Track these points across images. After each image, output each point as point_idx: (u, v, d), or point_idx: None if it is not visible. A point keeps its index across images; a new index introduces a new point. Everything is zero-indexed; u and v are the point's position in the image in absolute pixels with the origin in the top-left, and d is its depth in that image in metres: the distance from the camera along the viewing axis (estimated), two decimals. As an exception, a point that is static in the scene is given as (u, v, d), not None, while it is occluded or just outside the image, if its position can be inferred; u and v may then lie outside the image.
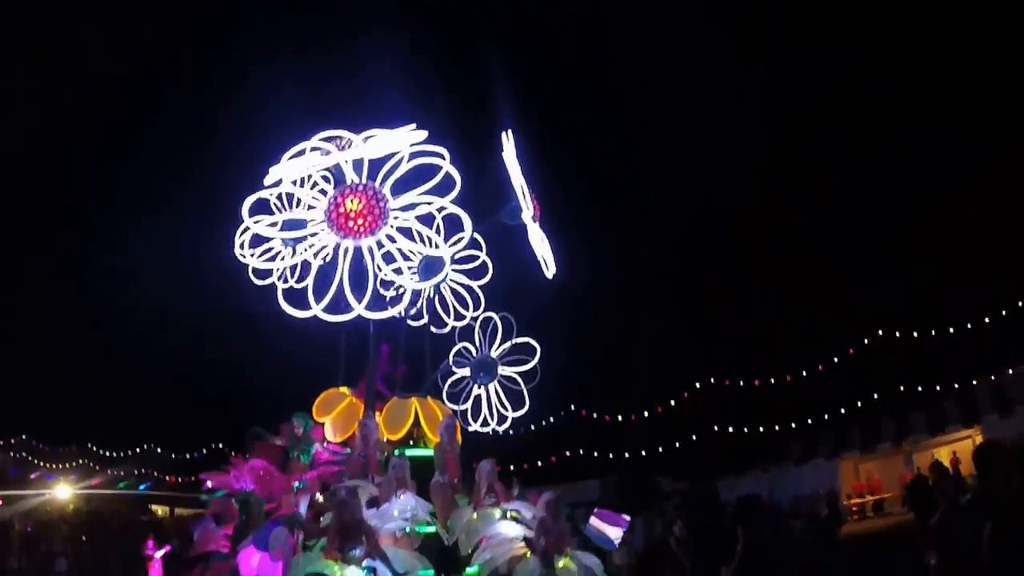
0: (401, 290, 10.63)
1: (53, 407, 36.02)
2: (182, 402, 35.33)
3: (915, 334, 24.96)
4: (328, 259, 8.93)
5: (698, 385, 30.37)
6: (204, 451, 34.32)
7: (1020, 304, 21.55)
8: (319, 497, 8.67)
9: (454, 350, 11.66)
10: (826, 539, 17.98)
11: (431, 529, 8.09)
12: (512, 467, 26.22)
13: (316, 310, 8.26)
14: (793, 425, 27.27)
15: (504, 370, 11.64)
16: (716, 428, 29.41)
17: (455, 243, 9.79)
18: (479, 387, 11.72)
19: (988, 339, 22.69)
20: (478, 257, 11.30)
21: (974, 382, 22.49)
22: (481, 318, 11.76)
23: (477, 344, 11.86)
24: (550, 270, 10.63)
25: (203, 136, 36.09)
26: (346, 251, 8.24)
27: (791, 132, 29.96)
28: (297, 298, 9.96)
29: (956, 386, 23.04)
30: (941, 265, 24.76)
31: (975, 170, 25.22)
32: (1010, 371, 20.96)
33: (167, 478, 36.82)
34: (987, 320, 22.88)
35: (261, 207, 10.81)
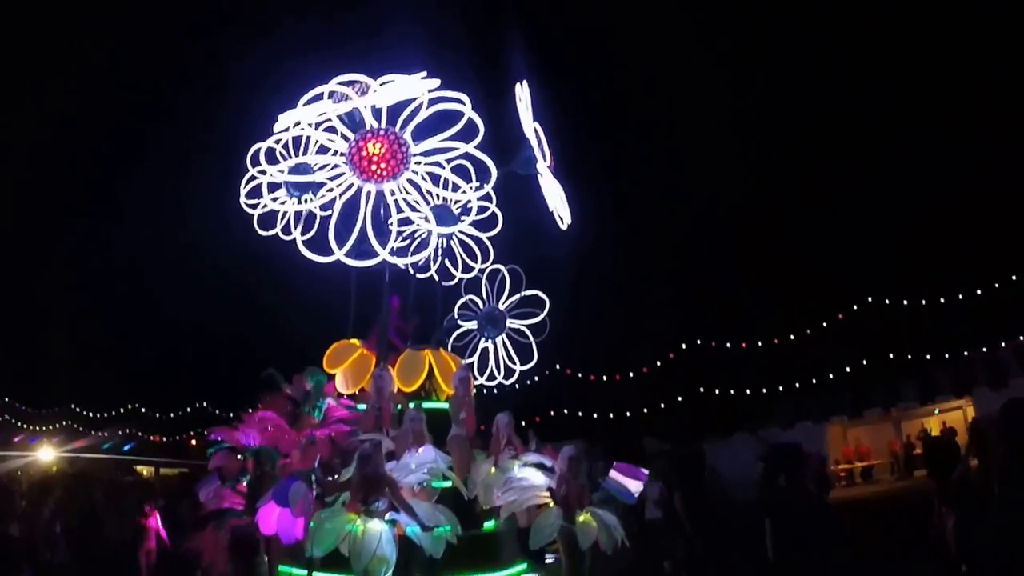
0: (416, 236, 10.44)
1: (34, 369, 35.46)
2: (165, 362, 34.97)
3: (906, 302, 25.01)
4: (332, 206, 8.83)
5: (684, 346, 30.41)
6: (188, 410, 34.02)
7: (1015, 278, 21.59)
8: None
9: (460, 303, 11.46)
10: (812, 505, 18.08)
11: (447, 484, 7.93)
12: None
13: (339, 254, 8.06)
14: (781, 388, 27.41)
15: (512, 323, 11.48)
16: (703, 390, 29.54)
17: (470, 192, 9.43)
18: (486, 340, 11.56)
19: (983, 311, 22.77)
20: (488, 208, 11.04)
21: (966, 353, 22.60)
22: (489, 270, 11.57)
23: (484, 297, 11.69)
24: (564, 222, 10.33)
25: (217, 87, 35.10)
26: (368, 195, 7.96)
27: (789, 88, 29.57)
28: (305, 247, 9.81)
29: (948, 356, 23.16)
30: (938, 235, 24.74)
31: (975, 139, 25.12)
32: (1003, 344, 21.06)
33: (151, 438, 36.59)
34: (981, 292, 22.94)
35: (270, 158, 10.61)
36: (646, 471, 8.73)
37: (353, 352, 9.53)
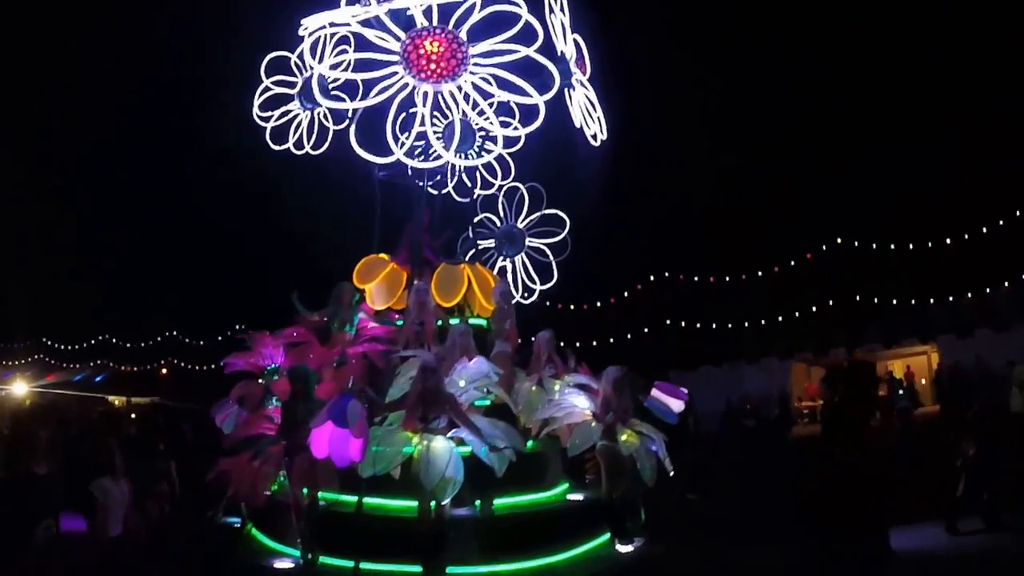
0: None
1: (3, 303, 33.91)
2: (134, 289, 33.79)
3: (874, 246, 25.52)
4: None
5: (652, 278, 30.66)
6: (159, 339, 33.10)
7: (984, 230, 22.11)
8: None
9: (475, 220, 11.17)
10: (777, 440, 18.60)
11: (486, 402, 7.78)
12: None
13: (398, 154, 7.74)
14: (747, 324, 27.96)
15: (532, 242, 11.26)
16: (669, 322, 29.97)
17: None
18: (504, 259, 11.35)
19: (949, 262, 23.31)
20: (510, 124, 10.64)
21: (931, 300, 23.22)
22: (507, 188, 11.27)
23: (502, 215, 11.42)
24: (598, 136, 9.93)
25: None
26: (425, 95, 7.53)
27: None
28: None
29: (912, 302, 23.78)
30: (908, 185, 25.09)
31: (944, 87, 25.33)
32: (969, 295, 21.62)
33: (122, 368, 35.62)
34: (949, 242, 23.44)
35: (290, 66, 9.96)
36: (686, 390, 8.76)
37: (384, 267, 9.18)
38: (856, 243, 26.08)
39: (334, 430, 6.29)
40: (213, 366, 30.82)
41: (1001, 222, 21.74)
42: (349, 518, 7.03)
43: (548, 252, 11.22)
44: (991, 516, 8.44)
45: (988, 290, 21.91)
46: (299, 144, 10.48)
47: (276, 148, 10.39)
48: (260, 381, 9.09)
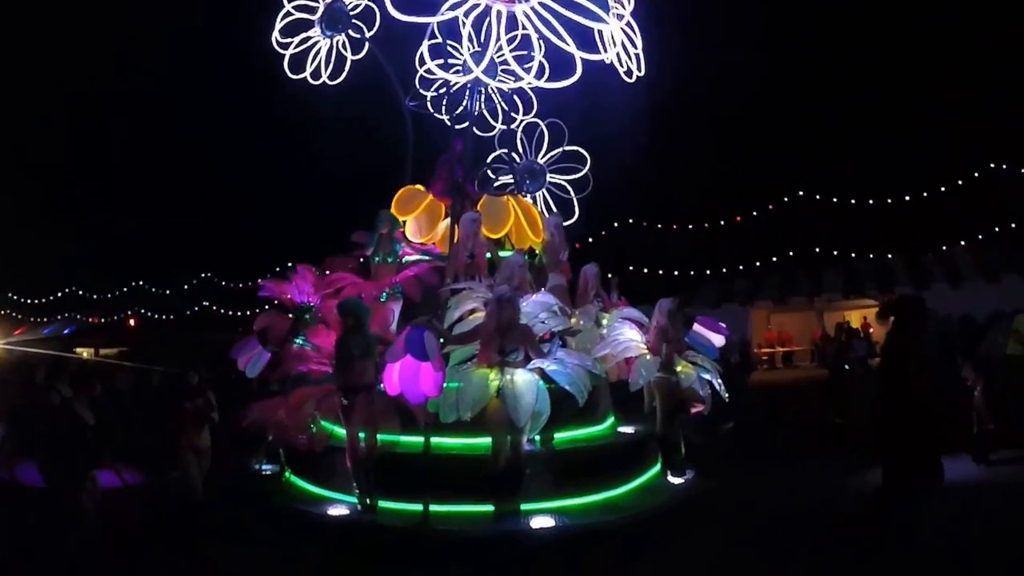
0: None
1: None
2: (100, 239, 31.86)
3: (835, 199, 26.13)
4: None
5: (616, 224, 30.79)
6: (125, 289, 31.52)
7: (943, 189, 22.81)
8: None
9: (492, 155, 10.87)
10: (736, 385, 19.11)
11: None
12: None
13: (476, 72, 7.47)
14: (708, 272, 28.45)
15: (553, 177, 11.02)
16: (632, 268, 30.26)
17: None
18: (525, 195, 11.08)
19: (910, 218, 24.00)
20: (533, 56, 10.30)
21: (889, 256, 23.96)
22: (526, 124, 10.98)
23: (521, 151, 11.13)
24: (633, 71, 9.59)
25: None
26: (499, 15, 7.18)
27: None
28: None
29: (871, 256, 24.51)
30: (873, 139, 25.66)
31: (917, 46, 25.83)
32: (929, 254, 22.32)
33: (90, 319, 34.00)
34: (909, 199, 24.13)
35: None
36: (725, 326, 8.79)
37: (423, 198, 8.82)
38: (818, 196, 26.70)
39: (412, 364, 6.04)
40: (186, 312, 29.88)
41: (960, 182, 22.46)
42: (409, 459, 6.81)
43: (569, 188, 11.01)
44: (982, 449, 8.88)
45: (945, 248, 22.71)
46: (316, 74, 9.99)
47: (294, 77, 9.90)
48: (289, 316, 8.77)
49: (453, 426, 6.69)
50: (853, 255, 25.07)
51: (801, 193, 27.17)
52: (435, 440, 6.85)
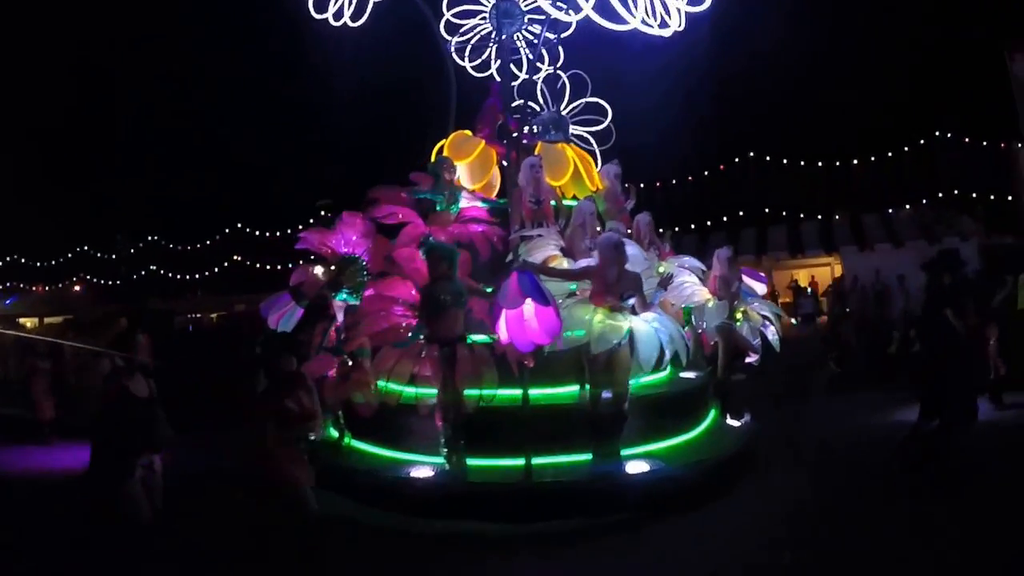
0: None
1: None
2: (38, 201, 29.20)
3: (785, 161, 26.93)
4: None
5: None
6: (69, 256, 29.19)
7: (890, 154, 23.79)
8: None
9: (514, 105, 10.69)
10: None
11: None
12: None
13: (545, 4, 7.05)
14: (659, 231, 28.80)
15: (576, 129, 10.94)
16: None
17: None
18: (548, 145, 10.97)
19: (853, 181, 24.93)
20: (562, 8, 10.13)
21: (836, 217, 24.89)
22: (548, 75, 10.83)
23: (541, 101, 10.98)
24: (670, 26, 9.55)
25: None
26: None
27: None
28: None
29: (819, 217, 25.42)
30: (822, 101, 26.40)
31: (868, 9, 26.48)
32: (939, 195, 23.04)
33: (34, 288, 31.39)
34: (856, 163, 25.04)
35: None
36: (764, 276, 9.06)
37: (475, 144, 8.56)
38: (768, 157, 27.48)
39: (530, 311, 5.90)
40: (133, 277, 28.11)
41: (906, 148, 23.48)
42: (508, 413, 6.51)
43: (592, 140, 10.96)
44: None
45: (890, 210, 23.81)
46: (338, 14, 9.57)
47: (317, 17, 9.45)
48: (331, 268, 8.34)
49: (541, 376, 6.66)
50: (801, 216, 25.96)
51: (751, 154, 27.91)
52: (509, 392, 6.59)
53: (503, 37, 9.93)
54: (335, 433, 7.77)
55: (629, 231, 8.32)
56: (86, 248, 28.10)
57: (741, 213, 27.52)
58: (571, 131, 10.86)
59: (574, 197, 8.72)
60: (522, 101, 10.90)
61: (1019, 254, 17.23)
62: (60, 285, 29.94)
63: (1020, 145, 17.82)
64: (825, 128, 26.23)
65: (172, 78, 27.98)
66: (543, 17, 9.86)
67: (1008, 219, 20.28)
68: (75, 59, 26.47)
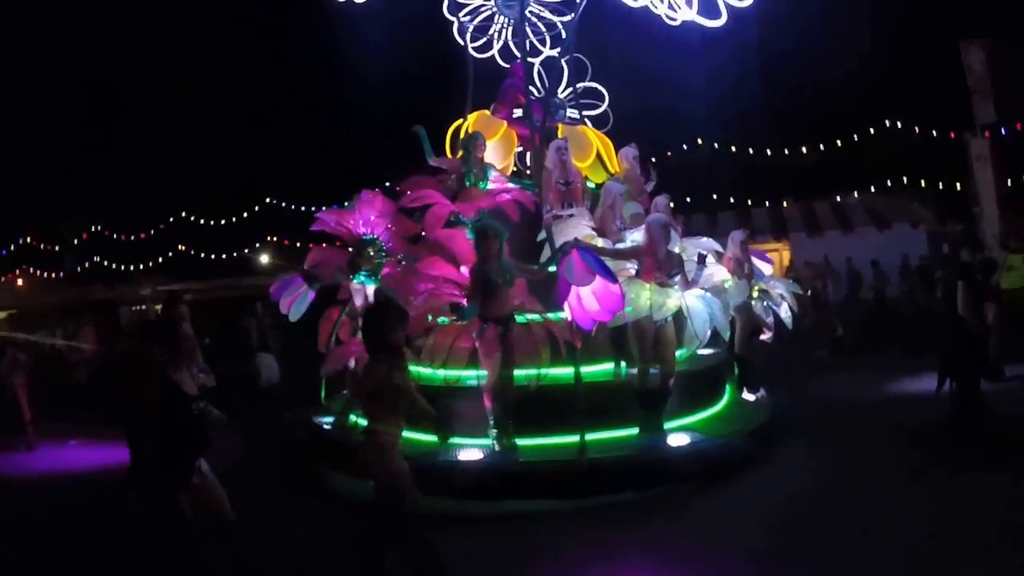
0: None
1: None
2: None
3: (734, 148, 27.52)
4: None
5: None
6: (12, 248, 27.23)
7: (839, 143, 24.42)
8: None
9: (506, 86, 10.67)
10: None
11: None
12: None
13: None
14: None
15: (573, 113, 10.99)
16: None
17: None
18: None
19: (805, 169, 25.50)
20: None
21: (784, 204, 25.55)
22: (544, 58, 10.86)
23: (538, 84, 11.00)
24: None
25: None
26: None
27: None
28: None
29: (767, 203, 26.06)
30: (773, 88, 27.02)
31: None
32: (889, 183, 23.74)
33: None
34: (805, 151, 25.66)
35: None
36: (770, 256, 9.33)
37: (499, 125, 8.53)
38: (716, 144, 28.02)
39: (601, 286, 5.93)
40: (77, 269, 26.62)
41: (855, 136, 24.22)
42: (561, 391, 6.54)
43: (588, 124, 11.02)
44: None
45: (839, 197, 24.62)
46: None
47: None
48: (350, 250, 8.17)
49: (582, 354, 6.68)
50: (749, 202, 26.54)
51: (699, 141, 28.42)
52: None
53: (511, 20, 9.94)
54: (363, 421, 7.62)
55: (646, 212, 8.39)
56: (28, 240, 26.58)
57: (689, 200, 28.03)
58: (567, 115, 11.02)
59: (586, 180, 8.77)
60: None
61: (967, 240, 18.19)
62: (3, 279, 28.30)
63: (971, 134, 18.73)
64: (776, 116, 26.90)
65: (113, 63, 26.68)
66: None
67: (957, 207, 21.23)
68: (11, 46, 24.98)
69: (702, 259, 7.04)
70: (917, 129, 21.92)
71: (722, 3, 8.54)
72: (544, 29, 10.66)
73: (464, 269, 6.86)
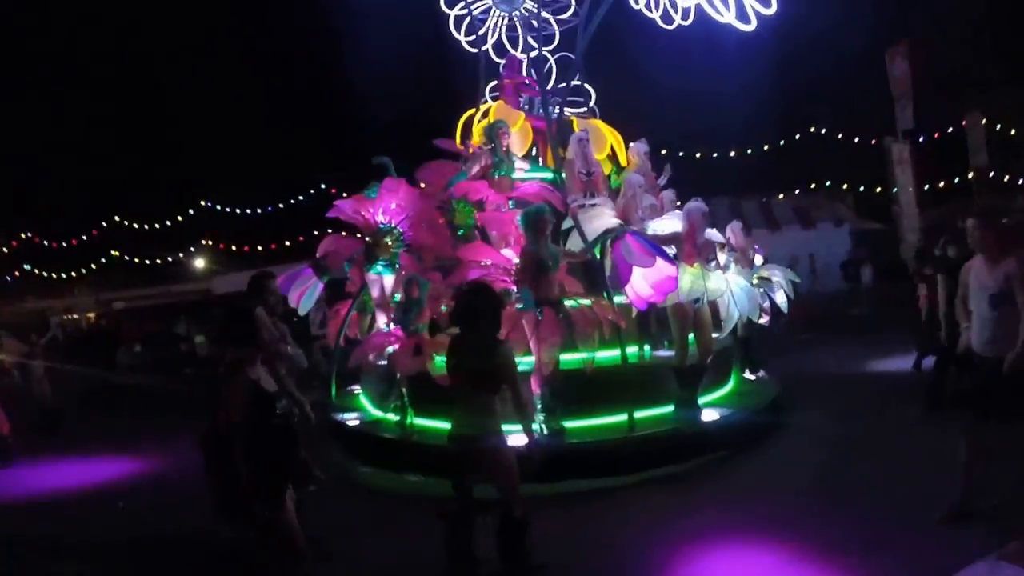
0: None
1: None
2: None
3: (664, 152, 28.44)
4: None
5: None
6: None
7: (798, 137, 25.48)
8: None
9: (490, 85, 10.92)
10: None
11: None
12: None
13: None
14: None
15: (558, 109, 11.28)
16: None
17: None
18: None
19: (762, 166, 26.56)
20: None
21: (780, 196, 26.44)
22: (536, 57, 11.11)
23: (527, 82, 11.25)
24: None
25: None
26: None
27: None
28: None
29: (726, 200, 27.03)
30: (703, 91, 28.03)
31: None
32: (781, 195, 25.11)
33: None
34: (766, 148, 26.65)
35: None
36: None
37: (517, 117, 8.73)
38: (681, 153, 28.89)
39: (657, 267, 6.22)
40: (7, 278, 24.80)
41: (781, 142, 25.53)
42: (609, 373, 6.70)
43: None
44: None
45: (764, 199, 25.87)
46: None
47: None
48: (366, 240, 8.13)
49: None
50: (679, 203, 27.40)
51: (631, 144, 29.22)
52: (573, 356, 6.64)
53: (502, 16, 10.18)
54: (391, 415, 7.60)
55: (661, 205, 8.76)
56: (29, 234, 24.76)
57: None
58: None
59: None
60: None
61: (886, 238, 19.61)
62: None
63: (893, 139, 20.15)
64: (708, 118, 28.02)
65: (42, 65, 25.34)
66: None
67: (877, 207, 22.76)
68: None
69: (724, 247, 7.47)
70: (840, 135, 23.42)
71: (751, 9, 8.91)
72: (536, 26, 10.90)
73: (507, 253, 7.01)
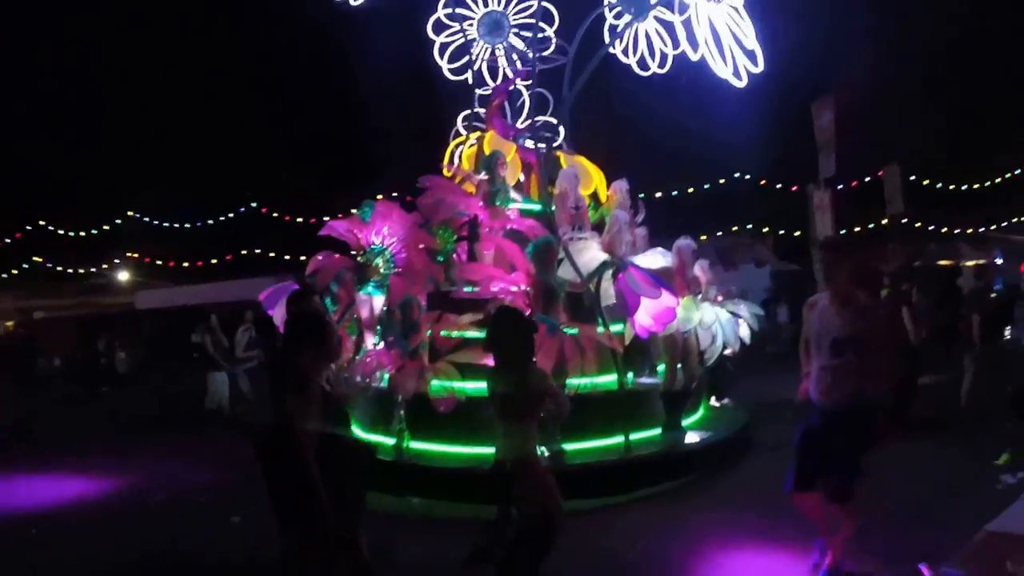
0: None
1: None
2: None
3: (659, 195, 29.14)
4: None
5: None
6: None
7: (691, 190, 26.51)
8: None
9: (463, 114, 11.32)
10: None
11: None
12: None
13: None
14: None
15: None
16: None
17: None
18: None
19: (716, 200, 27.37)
20: (544, 30, 11.02)
21: (703, 238, 27.23)
22: (510, 89, 11.55)
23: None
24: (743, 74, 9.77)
25: None
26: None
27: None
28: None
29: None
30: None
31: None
32: (735, 228, 25.96)
33: None
34: (659, 195, 27.62)
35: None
36: None
37: (509, 148, 9.09)
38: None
39: (659, 299, 6.69)
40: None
41: (707, 186, 26.62)
42: (607, 398, 7.03)
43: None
44: None
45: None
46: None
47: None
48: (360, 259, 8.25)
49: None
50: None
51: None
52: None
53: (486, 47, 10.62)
54: (387, 438, 7.58)
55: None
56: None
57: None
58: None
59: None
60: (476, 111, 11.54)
61: (804, 279, 20.98)
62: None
63: (815, 186, 21.56)
64: (637, 163, 29.00)
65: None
66: (527, 34, 10.69)
67: (797, 250, 24.15)
68: None
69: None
70: (763, 182, 24.86)
71: (743, 69, 9.57)
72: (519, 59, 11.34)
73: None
